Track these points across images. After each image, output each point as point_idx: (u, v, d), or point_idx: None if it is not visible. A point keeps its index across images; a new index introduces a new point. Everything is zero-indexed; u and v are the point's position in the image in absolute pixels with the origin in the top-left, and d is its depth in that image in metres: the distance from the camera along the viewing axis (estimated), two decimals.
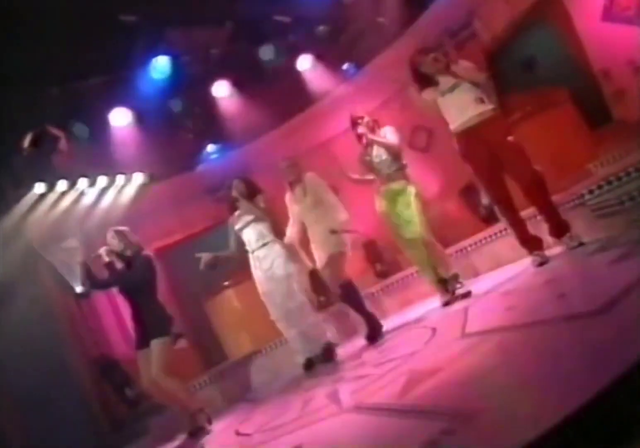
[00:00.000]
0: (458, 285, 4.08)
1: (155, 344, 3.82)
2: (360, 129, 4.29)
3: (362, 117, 4.38)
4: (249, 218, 4.34)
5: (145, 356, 3.88)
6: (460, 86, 3.61)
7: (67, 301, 6.02)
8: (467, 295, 3.91)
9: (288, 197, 4.48)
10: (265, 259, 4.26)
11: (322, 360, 4.21)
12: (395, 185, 4.21)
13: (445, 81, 3.66)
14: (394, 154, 4.25)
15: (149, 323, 3.90)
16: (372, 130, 4.33)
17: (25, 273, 4.93)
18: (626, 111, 5.09)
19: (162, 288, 7.57)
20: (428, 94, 3.73)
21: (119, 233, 4.09)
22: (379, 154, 4.26)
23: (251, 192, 4.40)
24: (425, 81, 3.73)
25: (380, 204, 4.26)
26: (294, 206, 4.44)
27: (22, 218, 5.32)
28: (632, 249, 2.45)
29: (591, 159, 4.42)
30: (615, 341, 1.44)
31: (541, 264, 3.43)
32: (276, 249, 4.28)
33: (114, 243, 4.04)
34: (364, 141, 4.28)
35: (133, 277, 3.98)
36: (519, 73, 6.07)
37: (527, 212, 3.86)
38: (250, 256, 4.37)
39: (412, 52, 3.83)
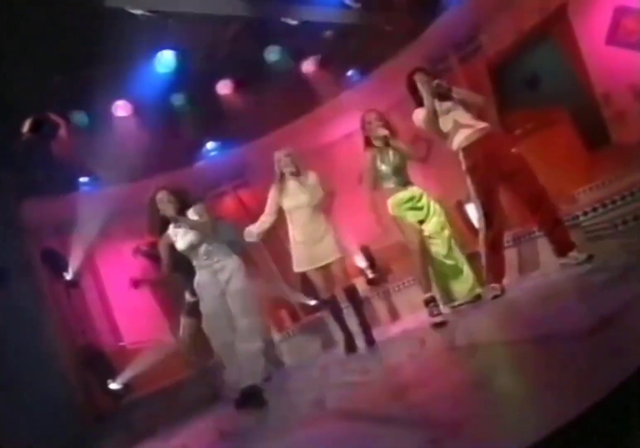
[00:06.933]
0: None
1: None
2: (381, 131, 3.87)
3: (378, 118, 3.96)
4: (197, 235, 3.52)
5: None
6: (455, 109, 3.67)
7: (57, 290, 6.00)
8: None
9: (275, 188, 4.21)
10: (223, 272, 3.49)
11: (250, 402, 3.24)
12: (408, 193, 3.89)
13: (441, 104, 3.69)
14: (409, 159, 4.01)
15: None
16: (393, 134, 3.94)
17: (17, 260, 4.90)
18: (624, 135, 5.16)
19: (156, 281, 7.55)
20: (420, 114, 3.72)
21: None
22: (394, 159, 3.91)
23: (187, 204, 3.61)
24: (419, 99, 3.73)
25: (395, 211, 3.84)
26: (282, 197, 4.18)
27: (18, 205, 5.28)
28: (622, 273, 2.49)
29: (585, 181, 4.47)
30: (602, 362, 1.47)
31: (496, 297, 3.52)
32: (235, 261, 3.56)
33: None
34: (383, 142, 3.89)
35: None
36: (522, 90, 6.13)
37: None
38: (200, 271, 3.56)
39: (411, 69, 3.85)
